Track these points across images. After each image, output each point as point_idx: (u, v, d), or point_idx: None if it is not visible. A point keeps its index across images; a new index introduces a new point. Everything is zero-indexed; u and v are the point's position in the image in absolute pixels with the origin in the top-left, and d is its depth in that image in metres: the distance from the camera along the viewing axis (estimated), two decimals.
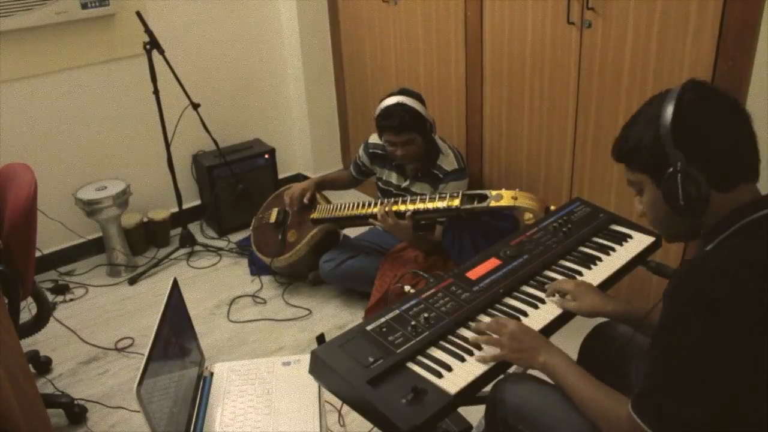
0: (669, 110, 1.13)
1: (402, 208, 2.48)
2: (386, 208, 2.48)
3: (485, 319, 1.51)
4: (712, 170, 1.12)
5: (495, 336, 1.39)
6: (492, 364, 1.38)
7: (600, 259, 1.71)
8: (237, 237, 3.46)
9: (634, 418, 1.12)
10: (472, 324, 1.48)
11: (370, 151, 2.84)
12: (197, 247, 3.36)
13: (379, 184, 2.86)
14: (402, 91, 2.59)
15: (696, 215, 1.16)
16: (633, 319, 1.48)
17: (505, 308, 1.54)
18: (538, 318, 1.52)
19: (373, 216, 2.56)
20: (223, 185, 3.40)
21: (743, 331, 1.03)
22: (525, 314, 1.52)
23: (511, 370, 1.64)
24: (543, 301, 1.56)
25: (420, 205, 2.44)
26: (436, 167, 2.62)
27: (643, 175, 1.20)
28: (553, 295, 1.57)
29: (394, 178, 2.78)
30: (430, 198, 2.44)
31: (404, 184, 2.74)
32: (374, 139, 2.80)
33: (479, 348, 1.41)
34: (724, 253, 1.11)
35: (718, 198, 1.14)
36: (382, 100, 2.59)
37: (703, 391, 1.06)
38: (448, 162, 2.61)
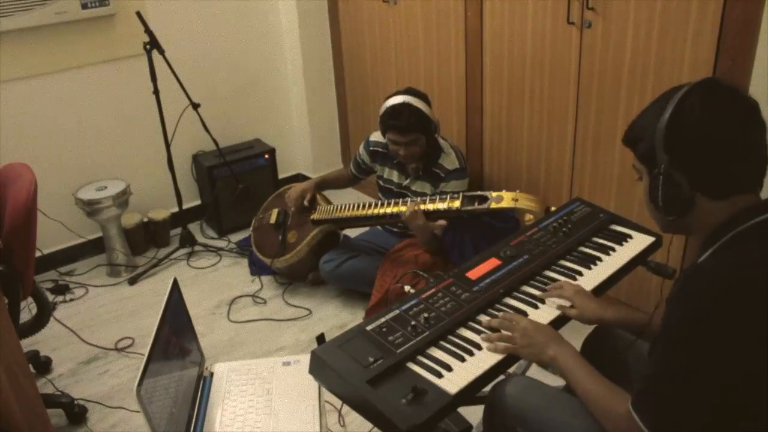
0: (668, 112, 1.12)
1: (403, 209, 2.48)
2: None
3: (485, 319, 1.51)
4: (701, 179, 1.13)
5: (507, 333, 1.42)
6: (493, 362, 1.38)
7: (600, 259, 1.71)
8: (237, 237, 3.46)
9: (633, 415, 1.13)
10: (474, 324, 1.48)
11: (371, 148, 2.84)
12: (197, 247, 3.36)
13: (380, 182, 2.86)
14: (408, 91, 2.58)
15: (677, 215, 1.17)
16: (634, 325, 1.49)
17: (504, 308, 1.54)
18: (537, 318, 1.51)
19: (377, 217, 2.56)
20: (223, 185, 3.40)
21: (740, 337, 1.03)
22: (525, 314, 1.52)
23: (512, 369, 1.65)
24: (543, 302, 1.56)
25: (421, 207, 2.43)
26: (437, 166, 2.62)
27: (641, 165, 1.22)
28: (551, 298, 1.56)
29: (395, 176, 2.78)
30: (430, 199, 2.44)
31: (405, 182, 2.74)
32: (375, 136, 2.80)
33: (491, 339, 1.42)
34: (720, 260, 1.11)
35: (709, 204, 1.14)
36: (387, 98, 2.58)
37: (700, 393, 1.06)
38: (449, 161, 2.61)
